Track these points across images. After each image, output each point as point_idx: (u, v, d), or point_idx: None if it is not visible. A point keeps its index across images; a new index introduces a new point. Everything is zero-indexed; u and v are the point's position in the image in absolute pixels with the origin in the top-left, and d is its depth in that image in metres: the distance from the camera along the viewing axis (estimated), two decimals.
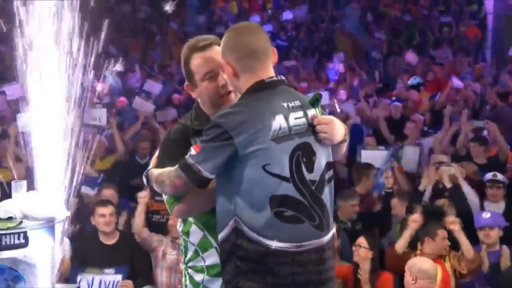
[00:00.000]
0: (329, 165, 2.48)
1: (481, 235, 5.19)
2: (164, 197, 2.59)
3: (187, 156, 2.38)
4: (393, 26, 15.11)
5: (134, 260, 5.37)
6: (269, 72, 2.46)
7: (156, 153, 2.61)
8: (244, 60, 2.43)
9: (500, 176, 6.09)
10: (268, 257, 2.36)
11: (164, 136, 2.67)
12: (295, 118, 2.41)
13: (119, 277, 5.20)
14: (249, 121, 2.33)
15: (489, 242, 5.20)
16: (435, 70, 11.89)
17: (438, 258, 4.99)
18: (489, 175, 6.11)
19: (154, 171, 2.51)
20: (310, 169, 2.41)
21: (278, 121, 2.37)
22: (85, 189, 6.35)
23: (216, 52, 2.52)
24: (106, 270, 5.22)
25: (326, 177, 2.46)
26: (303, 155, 2.40)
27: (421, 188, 6.22)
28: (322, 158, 2.45)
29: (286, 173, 2.37)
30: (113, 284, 5.16)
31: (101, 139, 7.80)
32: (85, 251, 5.31)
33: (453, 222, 5.05)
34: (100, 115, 7.72)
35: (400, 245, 5.12)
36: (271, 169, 2.35)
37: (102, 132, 8.53)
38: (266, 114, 2.36)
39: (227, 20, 16.74)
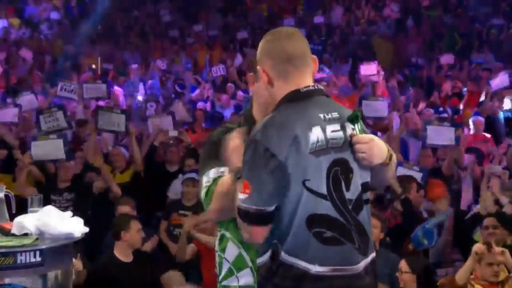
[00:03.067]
0: (366, 186, 2.44)
1: None
2: (202, 195, 2.58)
3: (242, 204, 2.31)
4: (434, 30, 14.99)
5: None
6: (305, 80, 2.43)
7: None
8: (280, 65, 2.42)
9: None
10: (306, 282, 2.31)
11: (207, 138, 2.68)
12: (332, 131, 2.37)
13: None
14: (286, 134, 2.30)
15: None
16: (482, 75, 11.74)
17: (494, 285, 4.88)
18: None
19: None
20: (348, 187, 2.38)
21: (316, 133, 2.34)
22: None
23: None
24: None
25: (364, 197, 2.42)
26: (341, 172, 2.36)
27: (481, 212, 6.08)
28: (360, 177, 2.41)
29: (323, 189, 2.33)
30: None
31: (119, 150, 7.83)
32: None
33: (502, 253, 4.88)
34: (119, 121, 7.77)
35: (461, 275, 4.96)
36: (310, 185, 2.31)
37: (120, 142, 8.60)
38: (303, 126, 2.33)
39: (255, 23, 16.82)
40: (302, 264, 2.30)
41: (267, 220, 2.31)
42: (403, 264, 4.94)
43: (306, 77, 2.44)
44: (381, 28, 15.17)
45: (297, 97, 2.40)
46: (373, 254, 2.46)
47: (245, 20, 17.06)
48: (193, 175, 6.75)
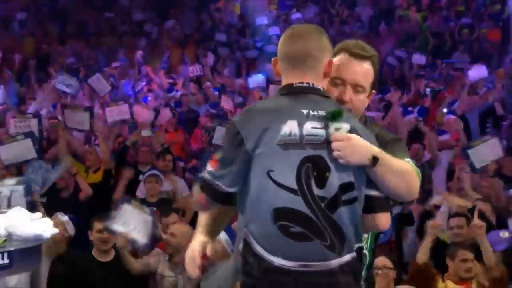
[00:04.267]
0: (348, 186, 2.41)
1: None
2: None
3: (205, 172, 2.44)
4: (407, 29, 15.11)
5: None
6: (303, 78, 2.47)
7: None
8: (281, 63, 2.53)
9: None
10: (270, 274, 2.33)
11: None
12: (312, 128, 2.38)
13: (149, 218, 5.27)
14: (260, 121, 2.36)
15: None
16: (456, 75, 11.87)
17: (464, 281, 4.95)
18: None
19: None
20: (321, 185, 2.37)
21: (289, 126, 2.35)
22: None
23: (363, 68, 2.60)
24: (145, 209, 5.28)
25: (343, 197, 2.40)
26: (313, 169, 2.36)
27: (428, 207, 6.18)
28: (339, 176, 2.39)
29: (292, 183, 2.34)
30: (142, 227, 5.26)
31: (92, 149, 7.76)
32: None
33: (481, 227, 5.02)
34: (83, 119, 7.69)
35: (421, 256, 5.08)
36: (274, 176, 2.33)
37: (91, 141, 8.53)
38: (279, 117, 2.36)
39: (228, 21, 16.80)
40: (266, 255, 2.33)
41: (220, 197, 2.41)
42: (384, 260, 4.93)
43: (305, 75, 2.47)
44: (354, 27, 15.26)
45: (287, 91, 2.47)
46: (353, 255, 2.43)
47: (219, 18, 17.03)
48: (155, 171, 6.72)
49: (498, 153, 6.92)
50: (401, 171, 2.46)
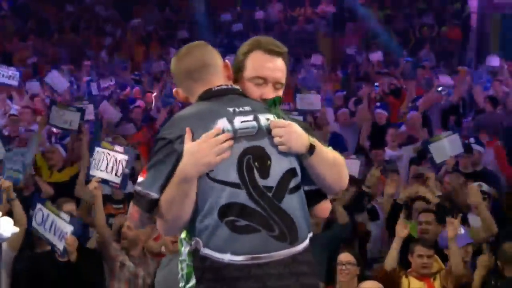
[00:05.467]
0: (292, 172, 2.40)
1: (461, 253, 5.16)
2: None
3: (135, 185, 2.40)
4: (370, 27, 15.27)
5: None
6: (213, 85, 2.47)
7: None
8: (184, 83, 2.51)
9: (485, 187, 6.15)
10: (222, 272, 2.32)
11: None
12: (242, 121, 2.38)
13: (69, 228, 5.00)
14: (188, 125, 2.35)
15: (469, 258, 5.25)
16: (418, 72, 12.03)
17: (426, 276, 4.99)
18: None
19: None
20: (265, 175, 2.36)
21: (221, 125, 2.36)
22: None
23: (280, 64, 2.56)
24: (62, 214, 5.07)
25: (290, 185, 2.39)
26: (254, 159, 2.35)
27: (399, 201, 6.25)
28: (280, 163, 2.38)
29: (235, 178, 2.33)
30: (60, 233, 5.02)
31: (56, 148, 7.66)
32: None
33: (453, 223, 5.03)
34: (72, 119, 7.47)
35: (389, 261, 5.08)
36: (216, 176, 2.33)
37: (59, 141, 8.41)
38: (207, 118, 2.37)
39: (192, 18, 16.76)
40: (216, 255, 2.32)
41: (146, 206, 2.36)
42: (348, 257, 4.94)
43: (213, 82, 2.47)
44: (318, 25, 15.37)
45: (208, 96, 2.45)
46: (306, 244, 2.41)
47: (183, 15, 16.99)
48: None
49: (458, 149, 7.03)
50: (334, 161, 2.46)
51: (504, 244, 4.95)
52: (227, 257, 2.32)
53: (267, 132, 2.39)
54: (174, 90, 2.53)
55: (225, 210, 2.32)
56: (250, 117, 2.40)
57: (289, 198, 2.38)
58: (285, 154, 2.39)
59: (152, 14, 17.26)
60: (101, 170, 5.39)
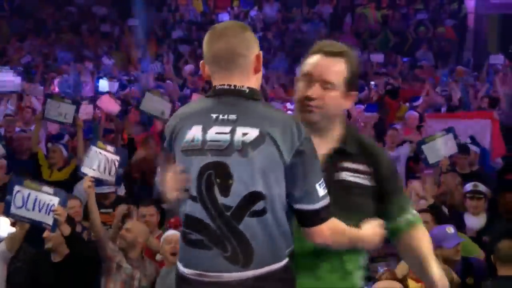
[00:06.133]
0: (258, 195, 2.22)
1: (452, 253, 5.09)
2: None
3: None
4: (368, 27, 15.31)
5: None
6: (231, 79, 2.30)
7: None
8: (209, 66, 2.35)
9: (481, 187, 6.16)
10: (177, 281, 2.32)
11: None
12: (216, 133, 2.24)
13: (55, 200, 4.97)
14: (172, 126, 2.33)
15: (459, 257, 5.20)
16: (416, 73, 12.07)
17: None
18: (469, 186, 6.18)
19: None
20: (226, 193, 2.22)
21: (194, 132, 2.26)
22: None
23: (332, 64, 2.46)
24: (44, 188, 5.01)
25: (253, 208, 2.22)
26: (216, 175, 2.22)
27: None
28: (244, 184, 2.21)
29: (194, 191, 2.25)
30: (47, 207, 4.96)
31: (58, 147, 7.66)
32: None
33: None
34: (67, 111, 7.53)
35: (401, 269, 4.79)
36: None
37: (58, 140, 8.45)
38: (187, 122, 2.29)
39: (189, 19, 16.78)
40: (178, 263, 2.34)
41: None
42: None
43: (233, 76, 2.30)
44: (316, 25, 15.40)
45: (211, 93, 2.34)
46: (264, 271, 2.24)
47: (180, 15, 17.00)
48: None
49: (452, 149, 7.02)
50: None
51: (499, 243, 4.95)
52: (181, 268, 2.30)
53: (237, 148, 2.22)
54: (201, 62, 2.39)
55: (185, 220, 2.29)
56: (227, 129, 2.23)
57: (249, 221, 2.22)
58: (251, 175, 2.21)
59: (149, 14, 17.28)
60: (93, 169, 5.46)
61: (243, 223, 2.22)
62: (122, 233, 5.16)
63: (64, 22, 16.84)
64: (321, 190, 2.26)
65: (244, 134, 2.22)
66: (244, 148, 2.21)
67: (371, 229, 2.39)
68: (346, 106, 2.51)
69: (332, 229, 2.28)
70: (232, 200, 2.22)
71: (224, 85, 2.31)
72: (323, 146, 2.43)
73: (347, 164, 2.45)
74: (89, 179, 5.34)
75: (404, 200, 2.59)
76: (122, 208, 5.72)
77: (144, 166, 7.77)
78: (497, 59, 12.29)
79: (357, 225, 2.38)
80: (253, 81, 2.34)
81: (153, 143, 7.91)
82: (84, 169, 5.48)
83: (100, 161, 5.50)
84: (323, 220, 2.27)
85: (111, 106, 9.38)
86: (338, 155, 2.46)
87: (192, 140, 2.24)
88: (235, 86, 2.30)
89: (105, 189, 6.32)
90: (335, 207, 2.33)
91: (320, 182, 2.26)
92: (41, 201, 4.95)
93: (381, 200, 2.50)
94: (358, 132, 2.60)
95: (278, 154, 2.21)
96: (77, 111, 7.60)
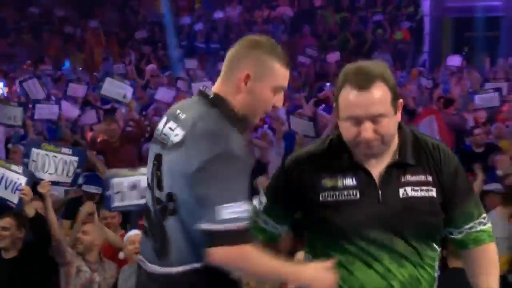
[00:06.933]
0: (170, 196, 2.23)
1: None
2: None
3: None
4: (328, 29, 15.57)
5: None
6: (217, 81, 2.37)
7: None
8: None
9: None
10: (137, 267, 2.45)
11: None
12: (168, 127, 2.30)
13: (22, 179, 4.95)
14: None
15: None
16: None
17: None
18: None
19: None
20: (159, 187, 2.27)
21: (161, 123, 2.36)
22: None
23: (373, 96, 2.18)
24: (13, 167, 4.98)
25: (168, 206, 2.24)
26: (157, 168, 2.30)
27: None
28: (167, 183, 2.25)
29: (149, 177, 2.36)
30: (13, 185, 4.94)
31: (18, 148, 7.72)
32: None
33: None
34: (15, 114, 7.59)
35: None
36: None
37: (21, 140, 8.47)
38: (164, 113, 2.41)
39: (151, 20, 16.81)
40: None
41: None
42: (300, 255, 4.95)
43: (218, 81, 2.34)
44: (276, 27, 15.59)
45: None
46: (181, 270, 2.23)
47: (142, 16, 17.04)
48: None
49: None
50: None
51: None
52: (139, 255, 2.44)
53: (169, 146, 2.25)
54: None
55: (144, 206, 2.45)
56: (174, 126, 2.27)
57: (169, 219, 2.24)
58: (171, 176, 2.23)
59: (111, 15, 17.27)
60: (49, 173, 5.28)
61: (166, 219, 2.24)
62: (79, 236, 5.09)
63: (25, 23, 16.73)
64: (225, 213, 2.11)
65: (176, 135, 2.24)
66: (172, 148, 2.23)
67: (311, 270, 2.23)
68: (399, 119, 2.30)
69: (237, 256, 2.14)
70: (162, 195, 2.25)
71: (204, 87, 2.37)
72: (381, 164, 2.30)
73: (409, 178, 2.28)
74: (46, 183, 5.14)
75: (472, 204, 2.34)
76: (88, 206, 5.55)
77: (104, 146, 7.90)
78: (454, 61, 12.63)
79: (430, 246, 2.30)
80: (230, 94, 2.29)
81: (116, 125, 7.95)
82: (38, 174, 5.22)
83: (57, 164, 5.35)
84: (217, 243, 2.12)
85: (71, 110, 9.49)
86: (398, 169, 2.29)
87: (157, 129, 2.35)
88: (205, 89, 2.33)
89: (92, 189, 6.36)
90: (407, 228, 2.23)
91: (226, 205, 2.11)
92: (8, 178, 4.93)
93: (447, 205, 2.31)
94: (412, 133, 2.38)
95: (188, 162, 2.16)
96: (24, 112, 7.66)
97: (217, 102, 2.27)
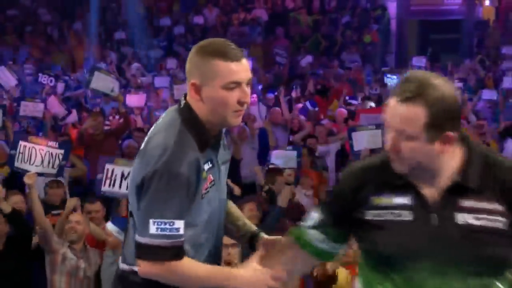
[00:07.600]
0: (128, 200, 2.41)
1: None
2: None
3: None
4: (300, 31, 16.13)
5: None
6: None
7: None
8: None
9: None
10: None
11: None
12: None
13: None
14: None
15: None
16: (346, 74, 12.96)
17: (350, 264, 4.93)
18: None
19: None
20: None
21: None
22: None
23: (405, 111, 1.98)
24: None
25: (129, 208, 2.39)
26: None
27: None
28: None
29: None
30: None
31: (1, 144, 7.73)
32: None
33: None
34: None
35: (332, 264, 4.77)
36: None
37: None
38: None
39: (132, 22, 17.10)
40: None
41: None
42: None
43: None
44: (252, 29, 16.07)
45: None
46: (123, 267, 2.36)
47: (122, 19, 17.31)
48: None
49: (377, 144, 7.12)
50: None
51: None
52: None
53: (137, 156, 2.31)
54: None
55: None
56: (149, 134, 2.34)
57: (131, 219, 2.34)
58: (130, 181, 2.33)
59: (93, 16, 17.46)
60: (36, 166, 5.56)
61: (131, 219, 2.35)
62: (72, 226, 5.13)
63: (8, 24, 16.92)
64: (153, 228, 2.16)
65: (144, 142, 2.32)
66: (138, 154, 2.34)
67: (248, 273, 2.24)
68: (441, 150, 2.00)
69: (162, 272, 2.19)
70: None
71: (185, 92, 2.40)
72: (434, 188, 2.03)
73: (470, 203, 1.99)
74: (32, 174, 5.32)
75: None
76: (74, 201, 5.53)
77: (89, 139, 8.05)
78: (419, 61, 13.27)
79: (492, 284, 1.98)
80: (195, 101, 2.29)
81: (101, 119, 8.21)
82: (23, 166, 5.50)
83: (43, 156, 5.60)
84: (141, 256, 2.21)
85: (58, 108, 9.80)
86: (456, 192, 2.00)
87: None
88: (181, 100, 2.35)
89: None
90: (463, 259, 1.94)
91: (154, 220, 2.16)
92: None
93: None
94: (485, 156, 2.07)
95: (136, 175, 2.26)
96: (4, 114, 7.83)
97: (183, 111, 2.28)
